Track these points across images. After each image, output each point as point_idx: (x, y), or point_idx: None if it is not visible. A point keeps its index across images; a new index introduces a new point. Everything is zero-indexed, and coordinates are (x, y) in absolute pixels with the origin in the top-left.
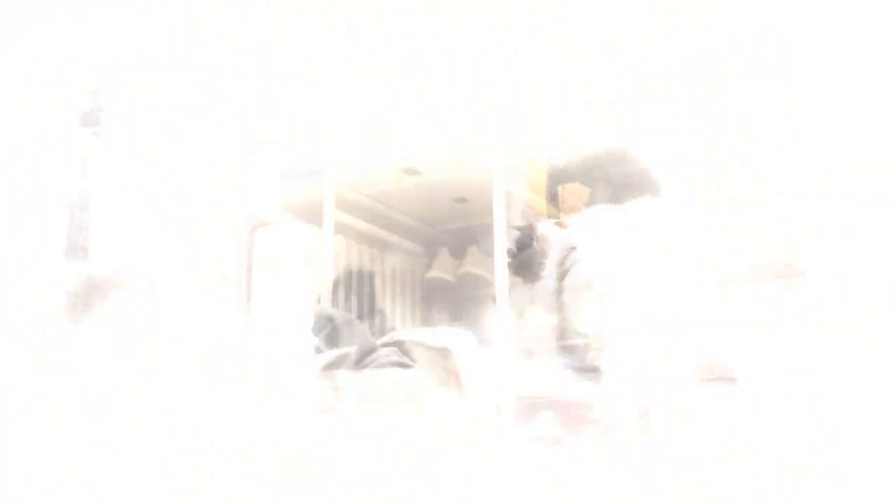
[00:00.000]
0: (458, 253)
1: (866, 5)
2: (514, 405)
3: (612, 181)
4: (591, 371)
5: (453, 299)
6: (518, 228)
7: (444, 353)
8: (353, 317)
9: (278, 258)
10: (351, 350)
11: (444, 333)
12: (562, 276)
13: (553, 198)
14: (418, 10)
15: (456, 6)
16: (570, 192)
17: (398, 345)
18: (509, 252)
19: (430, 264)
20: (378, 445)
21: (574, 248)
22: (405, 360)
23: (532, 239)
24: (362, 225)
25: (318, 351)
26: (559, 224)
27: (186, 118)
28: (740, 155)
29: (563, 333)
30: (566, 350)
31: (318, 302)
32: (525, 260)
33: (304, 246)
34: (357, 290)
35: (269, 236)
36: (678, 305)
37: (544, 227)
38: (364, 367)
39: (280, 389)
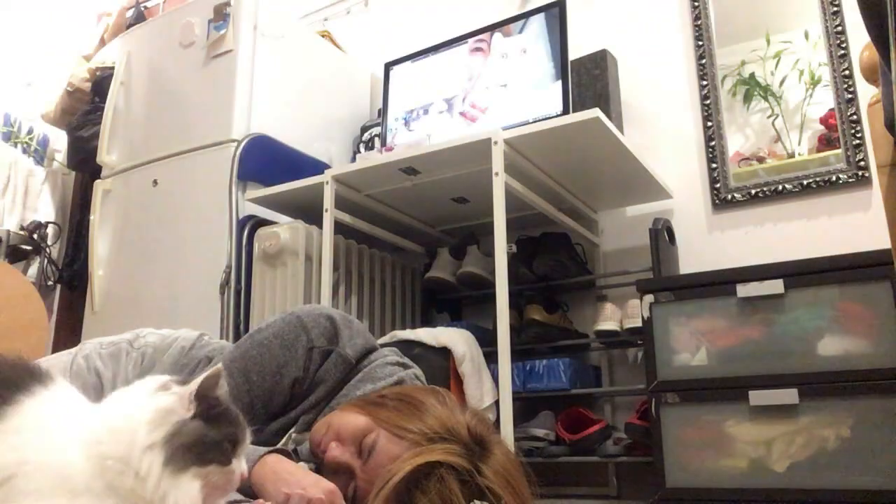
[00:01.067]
0: (458, 253)
1: None
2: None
3: None
4: None
5: (453, 299)
6: None
7: (443, 353)
8: (352, 317)
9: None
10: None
11: (444, 333)
12: None
13: None
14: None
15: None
16: None
17: (398, 345)
18: None
19: (430, 264)
20: None
21: None
22: (405, 360)
23: None
24: (362, 225)
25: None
26: None
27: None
28: None
29: None
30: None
31: (318, 302)
32: None
33: (304, 246)
34: (357, 290)
35: (268, 236)
36: None
37: None
38: (363, 367)
39: None
